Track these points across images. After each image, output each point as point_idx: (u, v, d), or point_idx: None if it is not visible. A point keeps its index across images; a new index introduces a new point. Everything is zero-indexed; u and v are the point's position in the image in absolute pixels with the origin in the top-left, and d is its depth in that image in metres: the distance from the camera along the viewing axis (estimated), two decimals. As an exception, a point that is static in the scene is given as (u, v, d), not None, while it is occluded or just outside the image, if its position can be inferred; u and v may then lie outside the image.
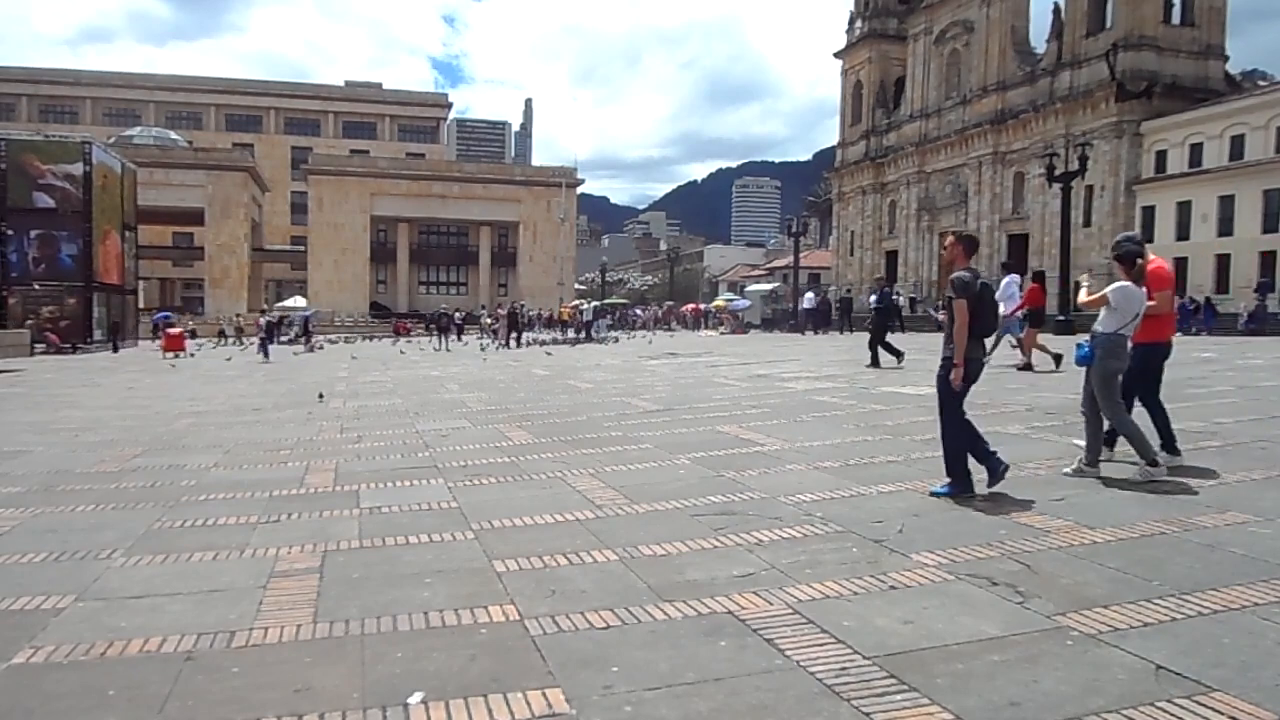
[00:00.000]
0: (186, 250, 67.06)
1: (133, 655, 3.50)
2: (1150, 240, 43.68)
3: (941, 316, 6.08)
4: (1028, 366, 14.03)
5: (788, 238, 67.96)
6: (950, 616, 3.63)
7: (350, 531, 5.41)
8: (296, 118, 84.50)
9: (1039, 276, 15.72)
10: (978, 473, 5.72)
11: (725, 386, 13.85)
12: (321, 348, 34.95)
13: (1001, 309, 15.18)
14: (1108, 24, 46.31)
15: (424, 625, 3.74)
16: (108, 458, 8.59)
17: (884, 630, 3.50)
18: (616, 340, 37.06)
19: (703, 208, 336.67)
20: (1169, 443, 6.40)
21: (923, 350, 17.44)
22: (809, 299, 40.69)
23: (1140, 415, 6.49)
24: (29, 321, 32.07)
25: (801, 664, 3.20)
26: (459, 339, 36.98)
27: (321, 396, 13.75)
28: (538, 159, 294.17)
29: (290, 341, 39.09)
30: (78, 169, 34.05)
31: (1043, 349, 14.33)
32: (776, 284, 69.10)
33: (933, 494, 5.73)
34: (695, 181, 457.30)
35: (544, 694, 3.02)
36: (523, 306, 39.09)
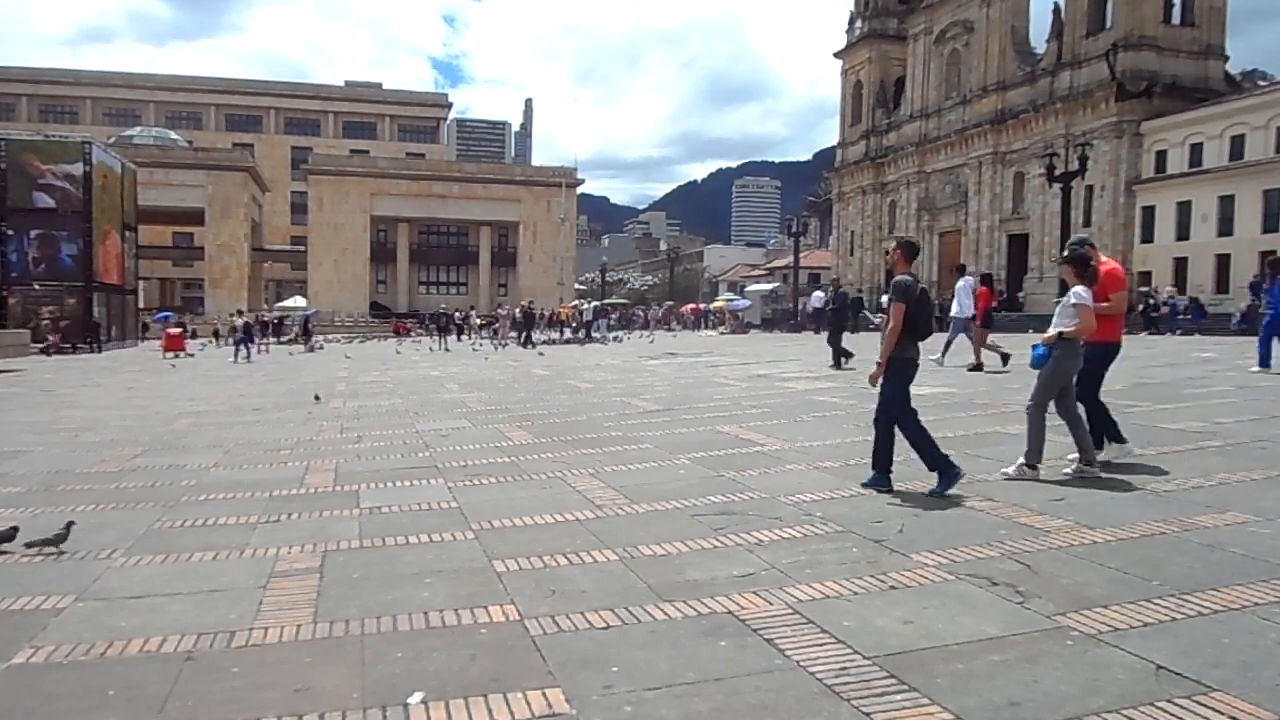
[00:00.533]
0: (186, 250, 67.03)
1: (133, 655, 3.50)
2: (1150, 240, 43.79)
3: (879, 319, 6.17)
4: (978, 367, 14.23)
5: (788, 238, 67.99)
6: (950, 616, 3.63)
7: (350, 531, 5.41)
8: (296, 118, 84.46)
9: (987, 279, 16.17)
10: (912, 474, 5.72)
11: (725, 386, 13.85)
12: (321, 348, 34.95)
13: (955, 310, 15.57)
14: (1108, 24, 46.29)
15: (424, 625, 3.75)
16: (108, 458, 8.60)
17: (884, 630, 3.50)
18: (619, 340, 37.00)
19: (703, 208, 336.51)
20: (1114, 435, 6.59)
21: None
22: (817, 298, 40.39)
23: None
24: (42, 323, 32.09)
25: (801, 664, 3.20)
26: (458, 339, 36.96)
27: (318, 398, 13.63)
28: (538, 159, 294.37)
29: (290, 341, 39.10)
30: (78, 169, 34.05)
31: (993, 348, 14.54)
32: (776, 284, 69.14)
33: (931, 494, 5.75)
34: (695, 181, 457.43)
35: (544, 694, 3.02)
36: (533, 305, 38.91)
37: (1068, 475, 6.14)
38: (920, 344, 5.98)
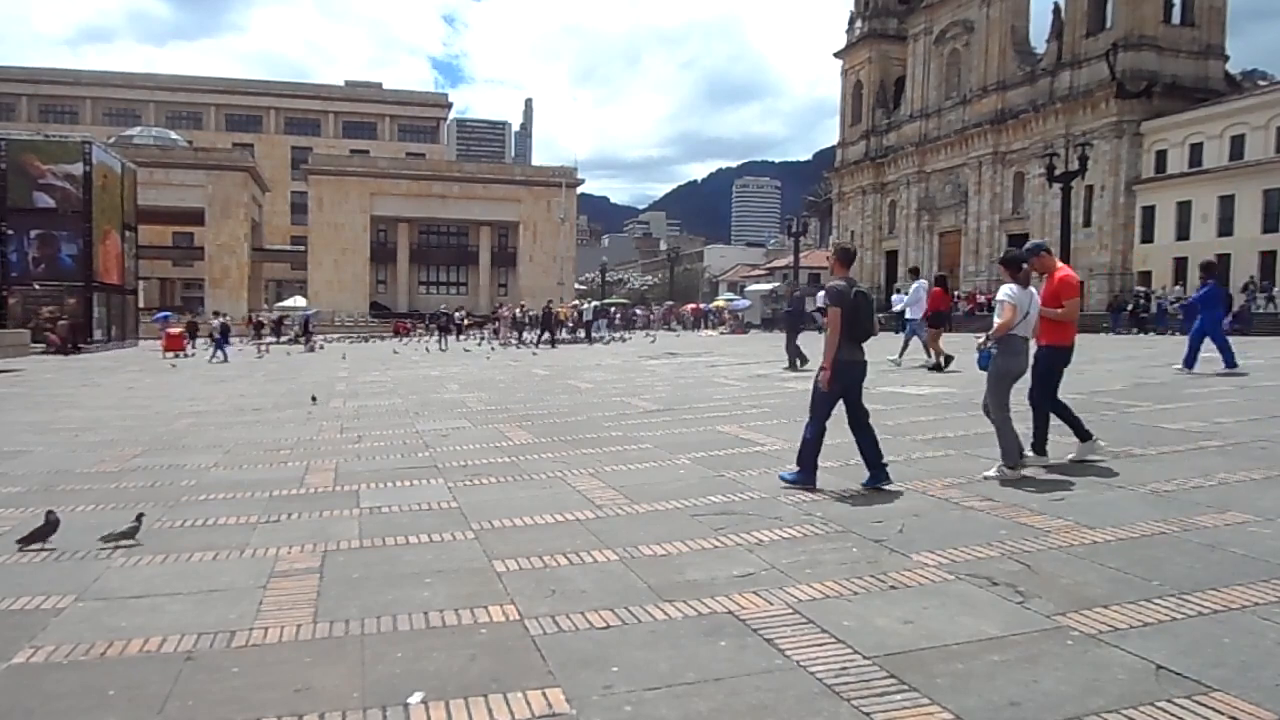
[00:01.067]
0: (186, 250, 67.02)
1: (133, 655, 3.50)
2: (1150, 240, 43.76)
3: (824, 321, 6.35)
4: (936, 367, 14.44)
5: (788, 238, 67.94)
6: (950, 616, 3.63)
7: (350, 531, 5.41)
8: (296, 118, 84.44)
9: (941, 281, 16.54)
10: (826, 471, 5.71)
11: (725, 386, 13.85)
12: (321, 348, 34.96)
13: (908, 312, 15.83)
14: (1108, 24, 46.26)
15: (424, 625, 3.75)
16: (108, 458, 8.60)
17: (884, 630, 3.50)
18: (624, 340, 36.90)
19: (703, 208, 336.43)
20: (1040, 444, 6.67)
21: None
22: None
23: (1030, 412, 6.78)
24: (60, 323, 32.09)
25: (801, 664, 3.20)
26: (456, 338, 36.93)
27: (315, 399, 13.47)
28: (538, 159, 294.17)
29: (290, 341, 39.11)
30: (78, 169, 34.02)
31: (938, 351, 14.78)
32: (776, 284, 69.09)
33: (782, 479, 6.10)
34: (695, 181, 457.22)
35: (544, 694, 3.02)
36: (551, 304, 38.71)
37: (990, 476, 6.22)
38: (864, 345, 6.14)
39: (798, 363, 16.16)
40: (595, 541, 4.97)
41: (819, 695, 2.96)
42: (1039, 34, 52.50)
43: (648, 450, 8.06)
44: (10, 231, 33.35)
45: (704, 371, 17.21)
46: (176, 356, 28.96)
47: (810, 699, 2.94)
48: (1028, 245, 6.93)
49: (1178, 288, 37.64)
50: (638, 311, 61.16)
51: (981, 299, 46.70)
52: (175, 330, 33.63)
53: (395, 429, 10.23)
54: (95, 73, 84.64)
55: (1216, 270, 13.07)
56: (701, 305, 65.66)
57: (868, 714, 2.81)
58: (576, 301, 49.47)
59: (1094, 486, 5.85)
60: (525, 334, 37.92)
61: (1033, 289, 6.36)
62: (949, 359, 14.47)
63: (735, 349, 25.99)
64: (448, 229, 70.55)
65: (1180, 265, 42.27)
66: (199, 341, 32.28)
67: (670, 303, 69.40)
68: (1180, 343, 23.18)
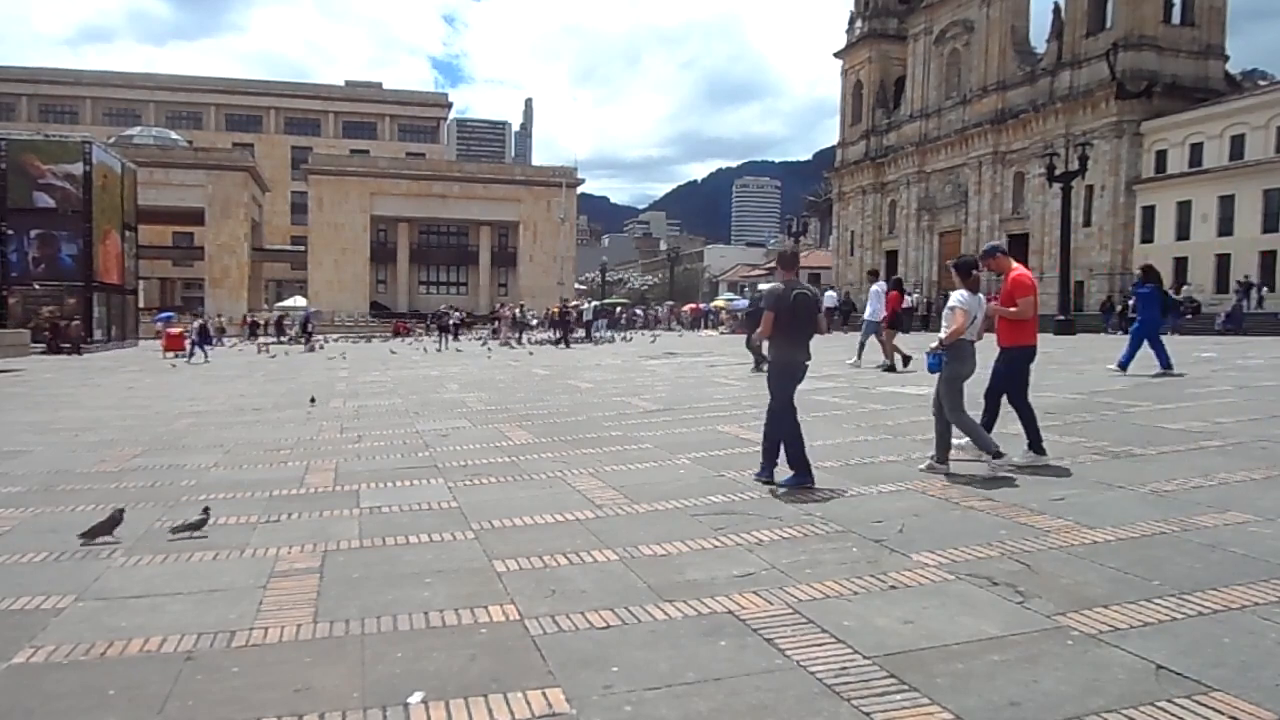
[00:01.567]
0: (186, 250, 67.03)
1: (133, 655, 3.50)
2: (1150, 240, 43.74)
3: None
4: (890, 368, 14.67)
5: (788, 237, 67.95)
6: (950, 616, 3.63)
7: (350, 531, 5.41)
8: (296, 118, 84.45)
9: (897, 284, 17.04)
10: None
11: (725, 386, 13.85)
12: (322, 347, 34.97)
13: (867, 313, 16.04)
14: (1108, 24, 46.26)
15: (424, 625, 3.75)
16: (108, 458, 8.60)
17: (884, 630, 3.50)
18: (628, 340, 36.82)
19: (703, 207, 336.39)
20: (1035, 442, 6.60)
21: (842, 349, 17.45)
22: (830, 298, 39.97)
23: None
24: (72, 323, 32.12)
25: (801, 664, 3.20)
26: (455, 338, 36.90)
27: (314, 401, 13.40)
28: (538, 159, 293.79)
29: (290, 341, 39.12)
30: (78, 169, 34.01)
31: (895, 350, 15.01)
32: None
33: (781, 484, 6.12)
34: (695, 181, 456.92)
35: (544, 694, 3.02)
36: (568, 303, 38.50)
37: (922, 469, 6.42)
38: (808, 345, 6.31)
39: (762, 365, 16.26)
40: (595, 541, 4.97)
41: (819, 695, 2.96)
42: (1039, 34, 52.54)
43: (648, 450, 8.06)
44: (10, 231, 33.34)
45: (704, 371, 17.20)
46: (176, 356, 28.95)
47: (810, 699, 2.94)
48: (984, 247, 7.13)
49: (1187, 286, 37.58)
50: (638, 312, 61.18)
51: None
52: (175, 330, 33.62)
53: (395, 429, 10.23)
54: (95, 73, 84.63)
55: (1155, 274, 13.45)
56: (701, 305, 65.63)
57: (868, 714, 2.81)
58: (576, 301, 49.38)
59: (1094, 486, 5.85)
60: (525, 334, 37.88)
61: (981, 295, 6.52)
62: (906, 359, 14.73)
63: (735, 349, 25.95)
64: (448, 229, 70.55)
65: (1180, 265, 42.25)
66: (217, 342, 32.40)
67: (670, 303, 69.42)
68: (1180, 342, 23.23)
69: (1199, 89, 44.86)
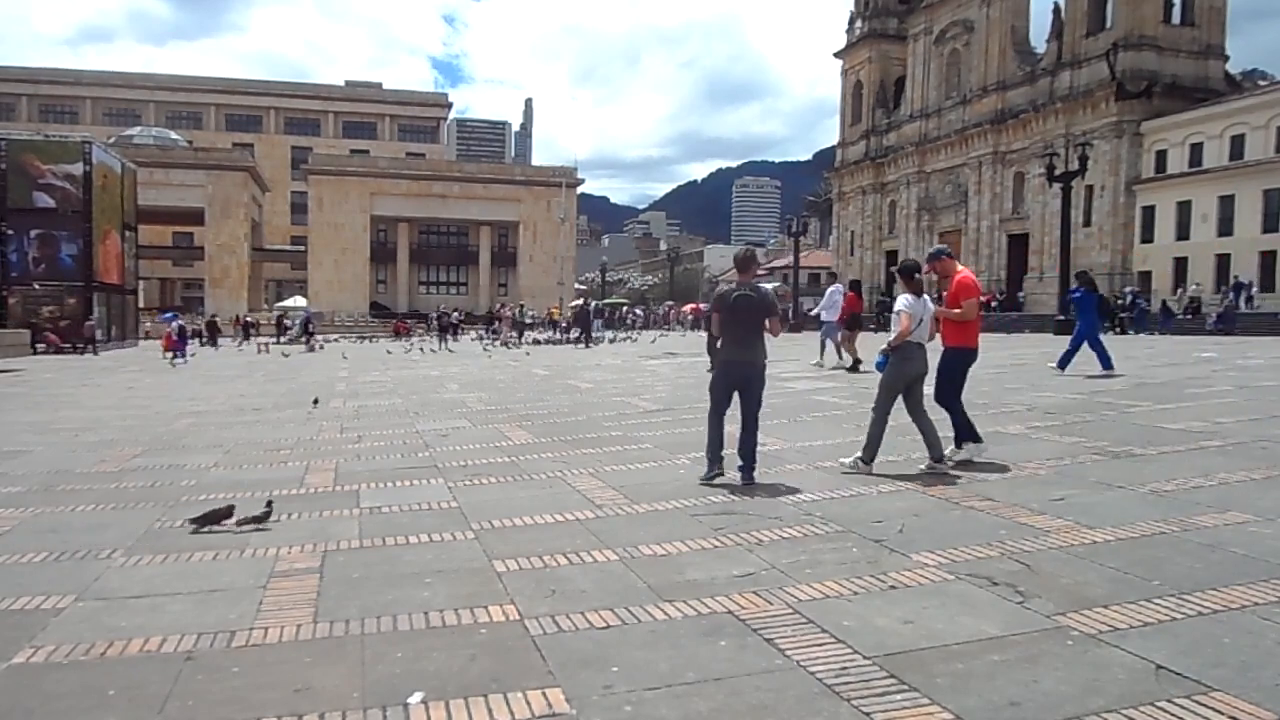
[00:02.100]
0: (186, 250, 67.07)
1: (133, 655, 3.50)
2: (1150, 240, 43.76)
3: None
4: (854, 368, 14.85)
5: (788, 238, 67.93)
6: (950, 616, 3.63)
7: (350, 531, 5.41)
8: (296, 118, 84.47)
9: (855, 286, 17.32)
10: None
11: (725, 386, 13.83)
12: (322, 347, 34.98)
13: (824, 315, 16.34)
14: (1108, 24, 46.28)
15: (424, 625, 3.74)
16: (108, 458, 8.59)
17: (884, 630, 3.50)
18: (633, 340, 36.70)
19: (703, 207, 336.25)
20: (971, 435, 6.86)
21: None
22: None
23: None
24: (84, 323, 32.15)
25: (801, 664, 3.20)
26: (454, 338, 36.87)
27: (316, 402, 13.36)
28: (538, 159, 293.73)
29: (290, 342, 39.11)
30: (78, 169, 34.01)
31: (853, 352, 15.29)
32: (777, 284, 69.06)
33: (704, 479, 6.31)
34: (695, 181, 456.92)
35: (544, 694, 3.02)
36: (589, 302, 38.33)
37: (921, 470, 6.46)
38: (754, 346, 6.41)
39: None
40: (595, 541, 4.97)
41: (819, 695, 2.96)
42: (1039, 34, 52.59)
43: (648, 450, 8.06)
44: (10, 231, 33.34)
45: (704, 372, 17.18)
46: (176, 356, 28.93)
47: (810, 699, 2.94)
48: (929, 250, 7.36)
49: (1196, 285, 37.58)
50: (638, 311, 61.18)
51: (982, 298, 46.71)
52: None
53: (395, 429, 10.23)
54: (95, 73, 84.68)
55: (1090, 279, 14.16)
56: (701, 305, 65.59)
57: (868, 714, 2.81)
58: (577, 301, 49.33)
59: (1094, 487, 5.85)
60: (524, 334, 37.86)
61: (926, 297, 6.68)
62: (858, 363, 14.92)
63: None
64: (448, 229, 70.58)
65: (1180, 265, 42.30)
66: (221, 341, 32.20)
67: (670, 303, 69.42)
68: (1180, 342, 23.26)
69: (1199, 89, 44.89)
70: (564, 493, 6.33)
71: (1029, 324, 34.97)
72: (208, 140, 76.11)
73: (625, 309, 53.05)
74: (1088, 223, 45.43)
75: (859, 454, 6.55)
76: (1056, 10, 49.03)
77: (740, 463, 6.32)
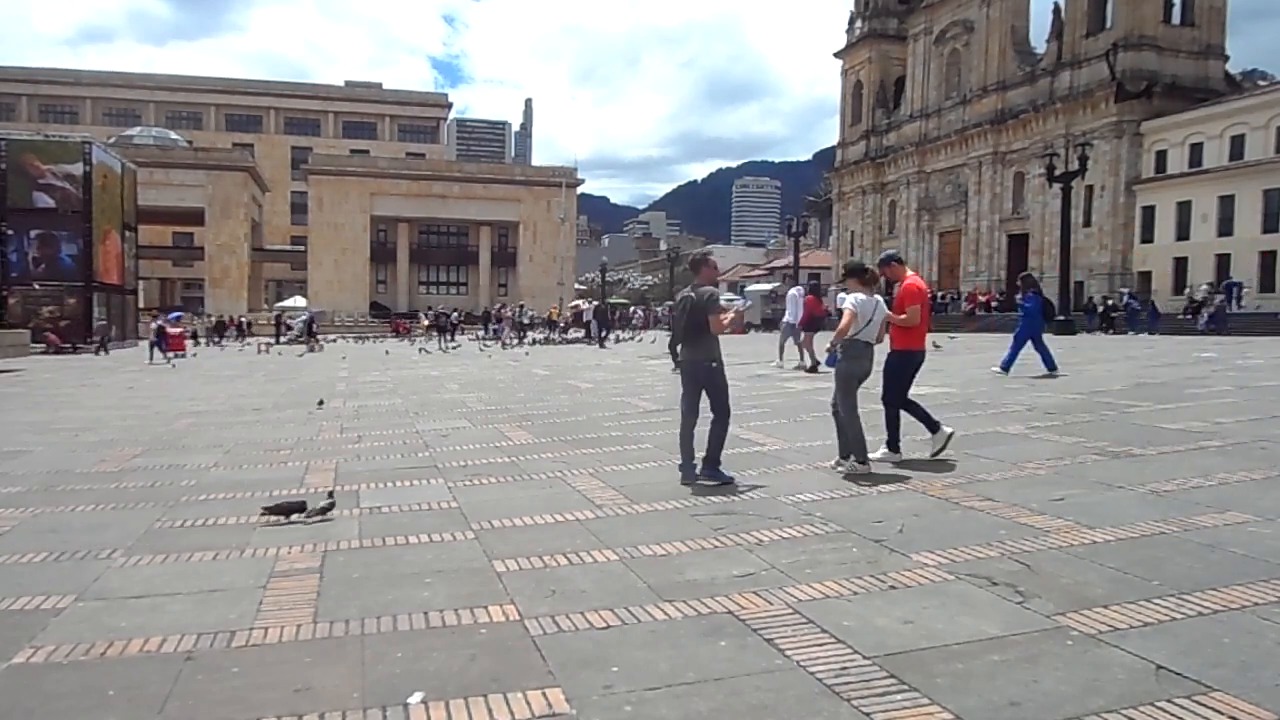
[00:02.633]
0: (186, 250, 67.12)
1: (133, 655, 3.50)
2: (1150, 240, 43.74)
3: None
4: (814, 369, 15.21)
5: (788, 238, 67.94)
6: (950, 616, 3.63)
7: (350, 531, 5.40)
8: (296, 118, 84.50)
9: (814, 289, 17.69)
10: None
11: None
12: (323, 348, 34.99)
13: (786, 316, 16.85)
14: (1108, 24, 46.25)
15: (424, 625, 3.74)
16: (108, 458, 8.59)
17: (884, 630, 3.50)
18: (637, 340, 36.64)
19: (703, 208, 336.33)
20: (894, 442, 7.04)
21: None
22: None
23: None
24: (96, 323, 32.15)
25: (801, 664, 3.20)
26: (452, 338, 36.86)
27: (321, 403, 13.28)
28: (538, 159, 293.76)
29: (290, 342, 39.12)
30: (78, 169, 34.05)
31: (812, 353, 15.62)
32: (777, 284, 69.07)
33: (686, 480, 6.43)
34: (695, 181, 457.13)
35: (544, 694, 3.02)
36: (606, 303, 38.19)
37: (840, 472, 6.56)
38: (702, 345, 6.59)
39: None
40: (595, 541, 4.97)
41: (819, 695, 2.96)
42: (1039, 34, 52.56)
43: (648, 450, 8.06)
44: (10, 231, 33.38)
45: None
46: (176, 356, 28.94)
47: (810, 699, 2.93)
48: (881, 255, 7.58)
49: (1207, 286, 37.55)
50: (638, 311, 61.18)
51: (982, 298, 46.75)
52: (176, 331, 33.64)
53: (395, 429, 10.23)
54: (95, 73, 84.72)
55: (1035, 282, 14.59)
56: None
57: (868, 714, 2.81)
58: (577, 301, 49.35)
59: (1094, 487, 5.85)
60: (524, 334, 37.82)
61: (879, 297, 6.79)
62: (816, 365, 15.20)
63: (736, 349, 25.97)
64: (448, 229, 70.61)
65: (1180, 265, 42.28)
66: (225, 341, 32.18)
67: (670, 303, 69.42)
68: (1180, 343, 23.27)
69: (1199, 89, 44.86)
70: (564, 493, 6.33)
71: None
72: (208, 140, 76.15)
73: (631, 309, 53.01)
74: (1088, 223, 45.42)
75: (853, 458, 6.53)
76: (1056, 10, 49.02)
77: (706, 460, 6.47)
